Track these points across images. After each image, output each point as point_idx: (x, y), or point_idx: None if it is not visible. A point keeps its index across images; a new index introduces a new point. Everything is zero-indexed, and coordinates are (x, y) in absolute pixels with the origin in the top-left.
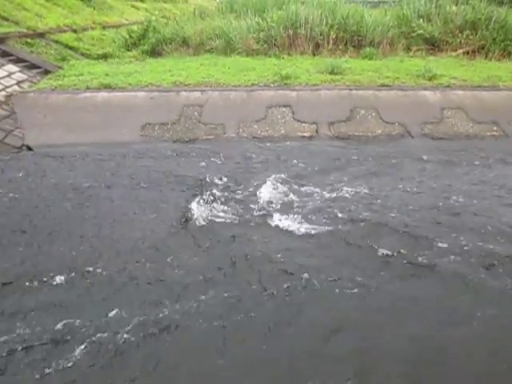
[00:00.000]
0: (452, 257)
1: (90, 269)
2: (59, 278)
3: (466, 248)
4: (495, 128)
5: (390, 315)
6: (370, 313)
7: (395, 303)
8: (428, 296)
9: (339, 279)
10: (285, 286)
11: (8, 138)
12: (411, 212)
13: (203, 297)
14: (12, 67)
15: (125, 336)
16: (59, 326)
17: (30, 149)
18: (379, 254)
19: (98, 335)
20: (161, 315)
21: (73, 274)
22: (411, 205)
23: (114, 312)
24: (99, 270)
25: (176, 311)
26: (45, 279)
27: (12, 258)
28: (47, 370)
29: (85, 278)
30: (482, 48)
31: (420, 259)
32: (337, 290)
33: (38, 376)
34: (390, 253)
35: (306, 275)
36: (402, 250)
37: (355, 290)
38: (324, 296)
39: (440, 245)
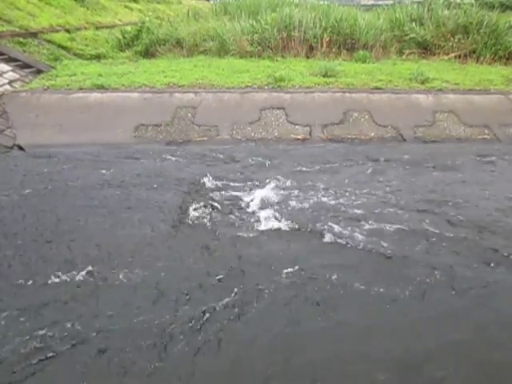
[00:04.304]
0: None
1: (84, 271)
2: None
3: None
4: (486, 131)
5: None
6: None
7: None
8: None
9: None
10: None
11: None
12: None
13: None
14: (4, 66)
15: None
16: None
17: (21, 149)
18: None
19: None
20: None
21: (65, 276)
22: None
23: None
24: (91, 272)
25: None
26: (41, 280)
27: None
28: None
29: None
30: (474, 52)
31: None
32: None
33: None
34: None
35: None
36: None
37: None
38: None
39: None
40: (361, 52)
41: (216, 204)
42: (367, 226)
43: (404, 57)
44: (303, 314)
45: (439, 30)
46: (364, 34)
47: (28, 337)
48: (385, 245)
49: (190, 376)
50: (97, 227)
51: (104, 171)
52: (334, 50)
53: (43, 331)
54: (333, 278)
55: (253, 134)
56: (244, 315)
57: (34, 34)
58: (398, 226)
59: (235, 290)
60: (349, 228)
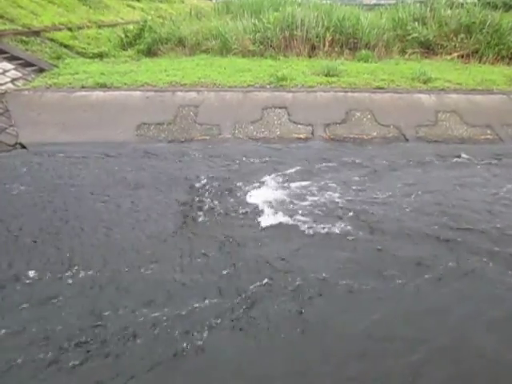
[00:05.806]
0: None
1: (84, 271)
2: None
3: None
4: (489, 131)
5: None
6: None
7: None
8: None
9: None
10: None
11: (1, 135)
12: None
13: None
14: (6, 65)
15: None
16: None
17: (23, 147)
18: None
19: None
20: None
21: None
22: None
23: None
24: (94, 272)
25: None
26: (44, 277)
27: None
28: None
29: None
30: (476, 52)
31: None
32: None
33: None
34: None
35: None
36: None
37: None
38: None
39: None
40: (363, 51)
41: (215, 203)
42: None
43: (406, 56)
44: None
45: (442, 29)
46: (366, 34)
47: None
48: None
49: None
50: (101, 224)
51: (106, 169)
52: (336, 49)
53: None
54: None
55: (255, 133)
56: None
57: (37, 33)
58: None
59: None
60: None
